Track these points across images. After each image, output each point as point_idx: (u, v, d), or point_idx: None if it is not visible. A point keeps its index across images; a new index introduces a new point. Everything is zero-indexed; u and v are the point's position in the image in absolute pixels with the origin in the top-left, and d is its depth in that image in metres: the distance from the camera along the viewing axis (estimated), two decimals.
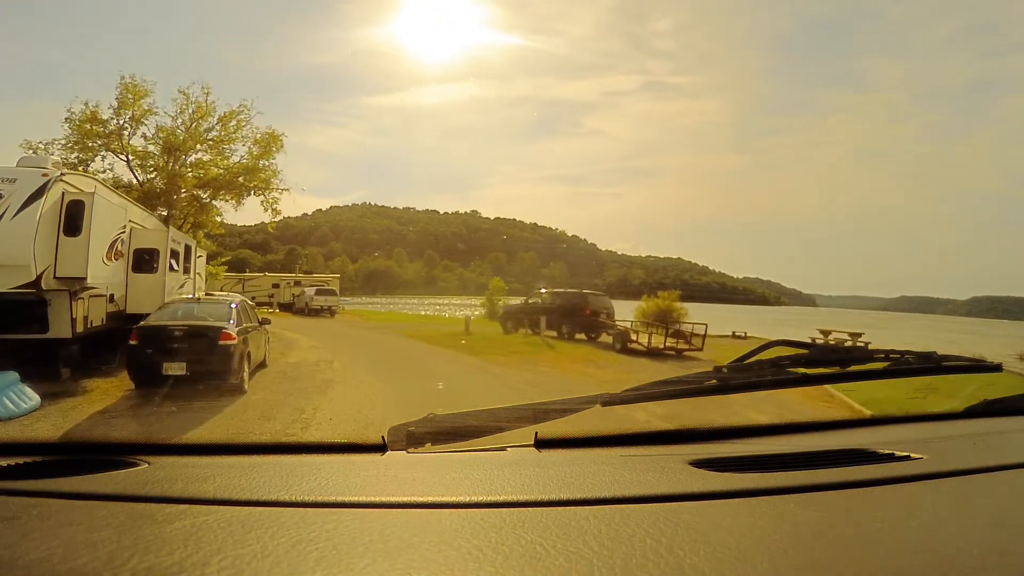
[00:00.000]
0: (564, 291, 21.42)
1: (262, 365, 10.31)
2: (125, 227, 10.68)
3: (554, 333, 18.68)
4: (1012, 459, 1.06)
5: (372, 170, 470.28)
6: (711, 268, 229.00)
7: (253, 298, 36.43)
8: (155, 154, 20.35)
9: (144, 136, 20.46)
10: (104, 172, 19.82)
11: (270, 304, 34.23)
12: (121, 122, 19.77)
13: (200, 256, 17.63)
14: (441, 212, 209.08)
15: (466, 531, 0.71)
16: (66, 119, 19.20)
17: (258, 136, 21.31)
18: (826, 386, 8.84)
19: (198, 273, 17.24)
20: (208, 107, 20.67)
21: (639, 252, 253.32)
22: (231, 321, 8.11)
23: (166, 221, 20.43)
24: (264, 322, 10.15)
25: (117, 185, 19.74)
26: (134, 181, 20.40)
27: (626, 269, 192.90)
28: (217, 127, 20.99)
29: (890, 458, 1.04)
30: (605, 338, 19.68)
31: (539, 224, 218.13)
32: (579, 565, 0.62)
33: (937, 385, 7.87)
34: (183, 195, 20.85)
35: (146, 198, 19.15)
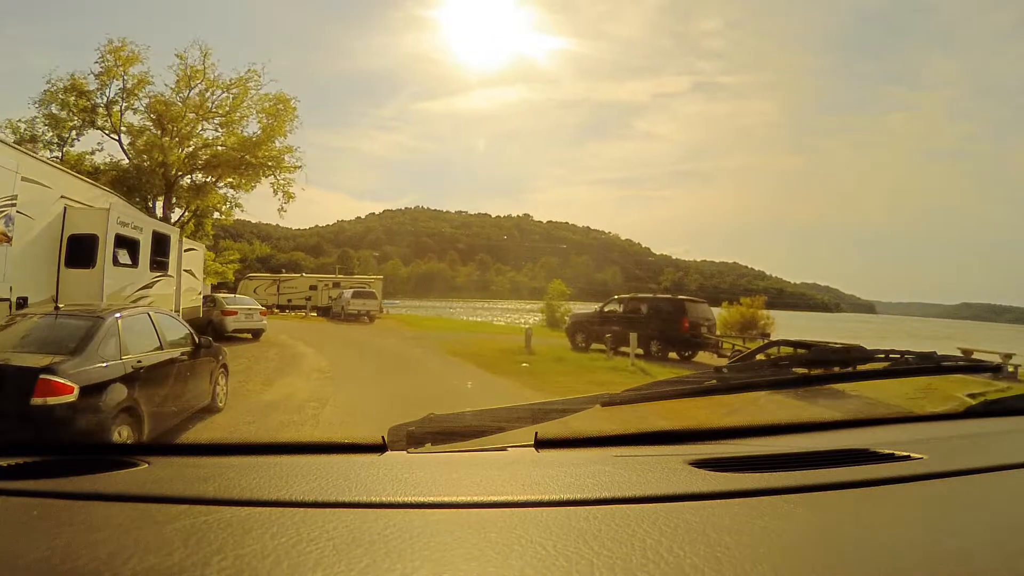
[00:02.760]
0: (653, 297, 16.71)
1: (207, 411, 6.52)
2: (14, 198, 7.11)
3: (640, 351, 14.05)
4: (1012, 459, 1.04)
5: (424, 174, 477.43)
6: (767, 273, 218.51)
7: (289, 300, 33.64)
8: (150, 129, 17.04)
9: (134, 110, 17.35)
10: (93, 153, 16.84)
11: (304, 307, 30.96)
12: (109, 93, 16.68)
13: (192, 250, 14.14)
14: (493, 216, 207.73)
15: (466, 531, 0.71)
16: (44, 91, 16.20)
17: (266, 105, 17.62)
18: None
19: (189, 272, 13.77)
20: (205, 72, 17.21)
21: (693, 256, 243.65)
22: (78, 354, 4.15)
23: (165, 209, 17.35)
24: (205, 346, 6.24)
25: (112, 168, 16.75)
26: (126, 162, 17.13)
27: (682, 274, 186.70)
28: (223, 95, 17.44)
29: (890, 458, 1.03)
30: (703, 357, 15.36)
31: (592, 228, 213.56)
32: (579, 565, 0.61)
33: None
34: (181, 177, 17.37)
35: (139, 180, 15.92)
